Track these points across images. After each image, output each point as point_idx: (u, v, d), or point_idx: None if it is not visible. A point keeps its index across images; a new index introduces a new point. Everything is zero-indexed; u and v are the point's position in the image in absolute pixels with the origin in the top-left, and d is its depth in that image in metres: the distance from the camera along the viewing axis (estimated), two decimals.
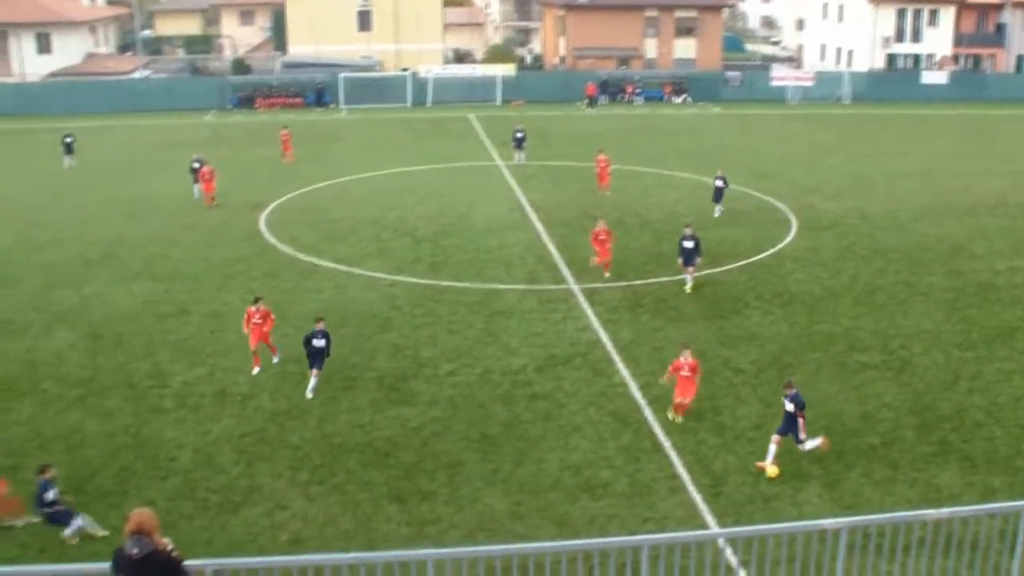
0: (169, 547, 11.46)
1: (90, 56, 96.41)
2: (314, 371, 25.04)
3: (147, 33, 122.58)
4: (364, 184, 50.82)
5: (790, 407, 20.94)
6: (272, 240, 40.05)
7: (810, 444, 21.06)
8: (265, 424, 23.62)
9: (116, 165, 57.55)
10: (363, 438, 22.88)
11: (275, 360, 26.95)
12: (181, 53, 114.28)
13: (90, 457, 22.18)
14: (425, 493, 20.38)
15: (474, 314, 31.05)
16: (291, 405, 24.52)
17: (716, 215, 43.32)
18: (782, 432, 20.98)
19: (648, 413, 23.97)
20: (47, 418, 24.31)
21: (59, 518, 18.71)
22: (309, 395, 24.85)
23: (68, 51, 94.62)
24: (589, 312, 31.30)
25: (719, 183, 43.77)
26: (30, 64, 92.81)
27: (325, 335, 25.20)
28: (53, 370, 27.29)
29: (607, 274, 34.47)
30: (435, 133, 67.62)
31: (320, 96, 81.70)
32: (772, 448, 20.91)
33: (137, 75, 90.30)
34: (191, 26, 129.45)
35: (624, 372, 26.53)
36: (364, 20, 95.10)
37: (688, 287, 33.07)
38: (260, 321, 26.71)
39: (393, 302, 32.34)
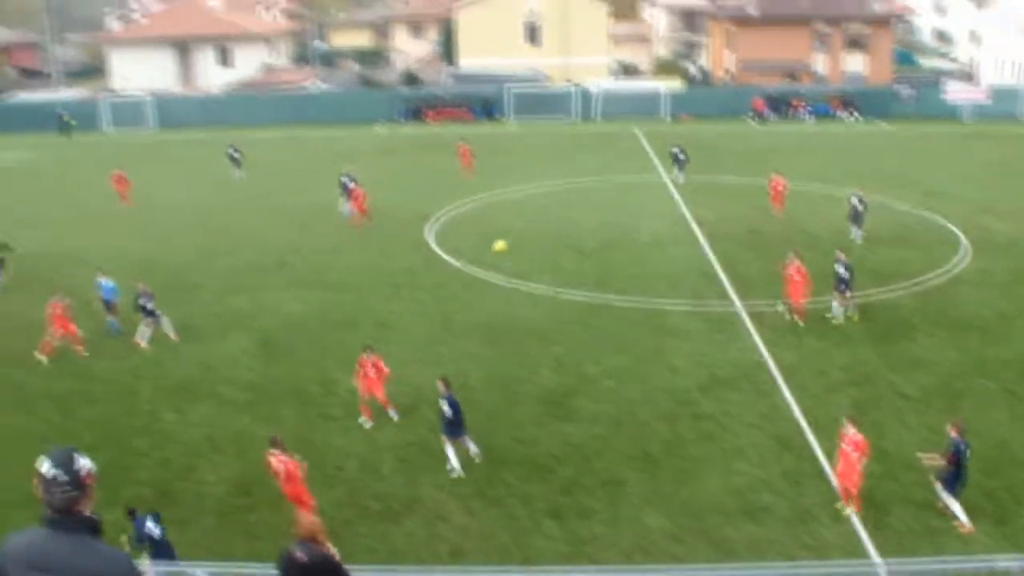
0: (334, 553, 11.89)
1: (267, 68, 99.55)
2: (464, 438, 22.59)
3: (321, 45, 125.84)
4: (531, 197, 51.25)
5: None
6: (439, 251, 40.72)
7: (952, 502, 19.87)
8: (427, 435, 23.97)
9: (289, 174, 59.23)
10: (524, 452, 23.12)
11: (393, 415, 24.98)
12: (353, 65, 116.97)
13: (259, 461, 22.88)
14: (584, 510, 20.51)
15: (638, 331, 31.05)
16: None
17: (854, 238, 40.75)
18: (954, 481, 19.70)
19: (811, 437, 23.63)
20: (221, 421, 25.29)
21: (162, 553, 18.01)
22: (476, 456, 22.72)
23: (247, 63, 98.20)
24: (753, 333, 30.98)
25: (856, 203, 41.22)
26: (212, 76, 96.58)
27: (451, 401, 22.38)
28: (228, 374, 28.36)
29: (801, 323, 31.46)
30: (601, 147, 67.72)
31: (488, 108, 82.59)
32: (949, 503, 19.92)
33: (311, 87, 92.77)
34: (363, 39, 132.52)
35: (787, 395, 26.20)
36: (532, 33, 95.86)
37: (836, 316, 31.78)
38: (374, 374, 24.92)
39: (558, 316, 32.55)
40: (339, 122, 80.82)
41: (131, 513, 18.39)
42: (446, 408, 22.37)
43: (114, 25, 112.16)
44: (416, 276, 37.41)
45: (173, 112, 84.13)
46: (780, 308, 32.47)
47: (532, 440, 23.72)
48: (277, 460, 19.84)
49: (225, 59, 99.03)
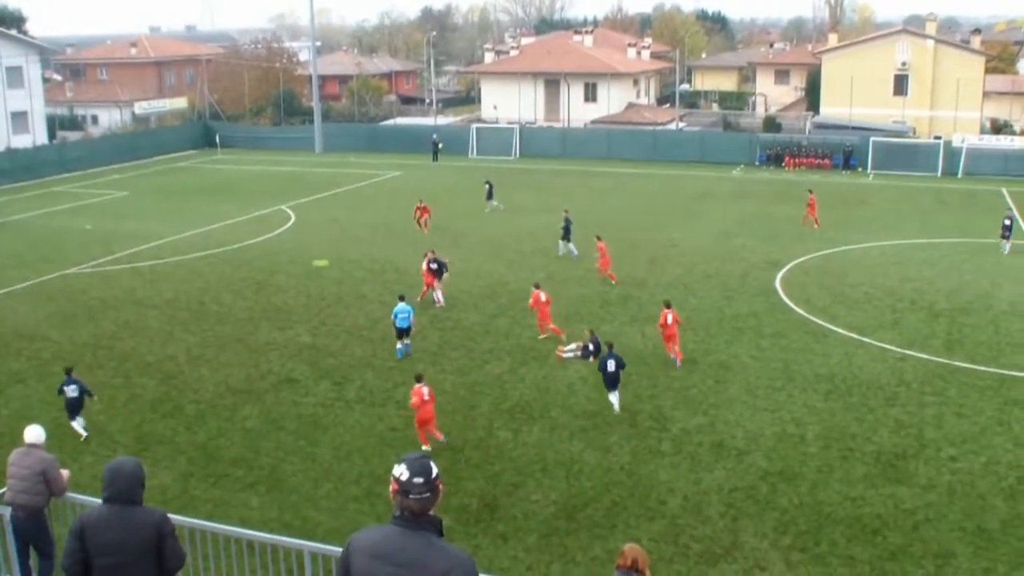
0: None
1: (630, 106, 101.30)
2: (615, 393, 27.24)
3: (685, 87, 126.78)
4: (884, 252, 49.47)
5: None
6: (785, 299, 39.98)
7: None
8: (756, 482, 23.63)
9: (644, 210, 59.86)
10: (852, 511, 22.28)
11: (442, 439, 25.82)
12: (715, 108, 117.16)
13: (585, 487, 23.28)
14: None
15: (986, 400, 29.32)
16: (785, 466, 24.36)
17: None
18: None
19: None
20: (552, 444, 25.80)
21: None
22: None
23: (611, 100, 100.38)
24: None
25: None
26: (577, 110, 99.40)
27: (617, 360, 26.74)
28: (563, 399, 28.93)
29: None
30: (962, 205, 64.47)
31: (848, 159, 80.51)
32: None
33: (672, 126, 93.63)
34: (727, 82, 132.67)
35: None
36: (900, 84, 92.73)
37: None
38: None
39: (901, 376, 31.24)
40: (697, 163, 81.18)
41: (67, 371, 26.01)
42: (611, 365, 27.32)
43: (488, 58, 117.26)
44: (760, 321, 36.86)
45: (534, 142, 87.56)
46: None
47: (862, 500, 22.81)
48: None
49: (591, 95, 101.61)
